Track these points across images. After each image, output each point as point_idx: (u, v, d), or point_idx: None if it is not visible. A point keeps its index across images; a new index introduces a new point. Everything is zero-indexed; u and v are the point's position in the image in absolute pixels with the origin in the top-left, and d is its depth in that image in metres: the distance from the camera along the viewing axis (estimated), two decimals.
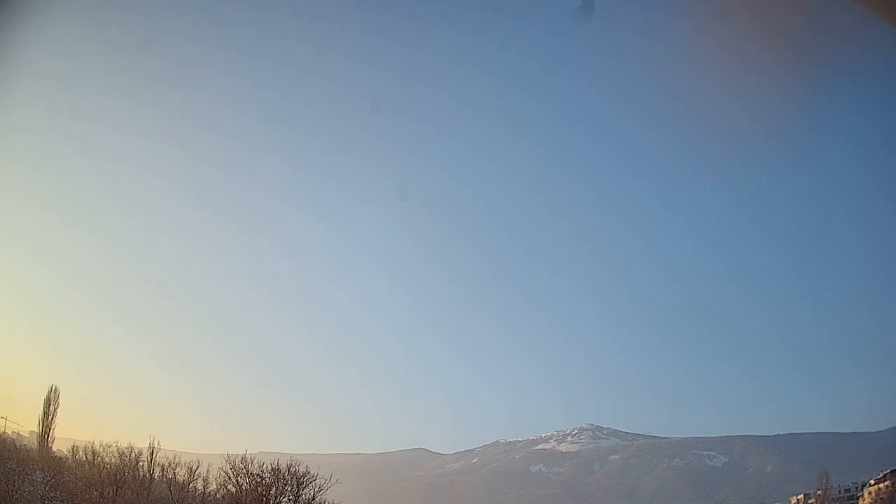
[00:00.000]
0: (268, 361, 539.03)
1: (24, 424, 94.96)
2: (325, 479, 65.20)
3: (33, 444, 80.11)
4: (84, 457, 63.32)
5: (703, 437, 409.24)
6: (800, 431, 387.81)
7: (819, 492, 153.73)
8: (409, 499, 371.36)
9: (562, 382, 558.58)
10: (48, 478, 59.08)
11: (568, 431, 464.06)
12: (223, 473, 63.55)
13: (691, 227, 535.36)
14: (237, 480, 62.61)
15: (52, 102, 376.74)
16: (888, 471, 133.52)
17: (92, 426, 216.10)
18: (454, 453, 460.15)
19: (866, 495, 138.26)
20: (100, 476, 57.76)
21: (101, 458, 61.41)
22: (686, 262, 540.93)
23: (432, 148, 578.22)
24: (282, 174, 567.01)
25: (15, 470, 55.48)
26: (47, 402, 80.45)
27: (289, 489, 63.45)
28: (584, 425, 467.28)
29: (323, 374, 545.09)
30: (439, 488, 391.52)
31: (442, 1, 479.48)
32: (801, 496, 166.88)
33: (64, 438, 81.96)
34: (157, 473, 64.84)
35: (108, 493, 55.66)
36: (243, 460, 63.37)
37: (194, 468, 67.01)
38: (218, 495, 64.91)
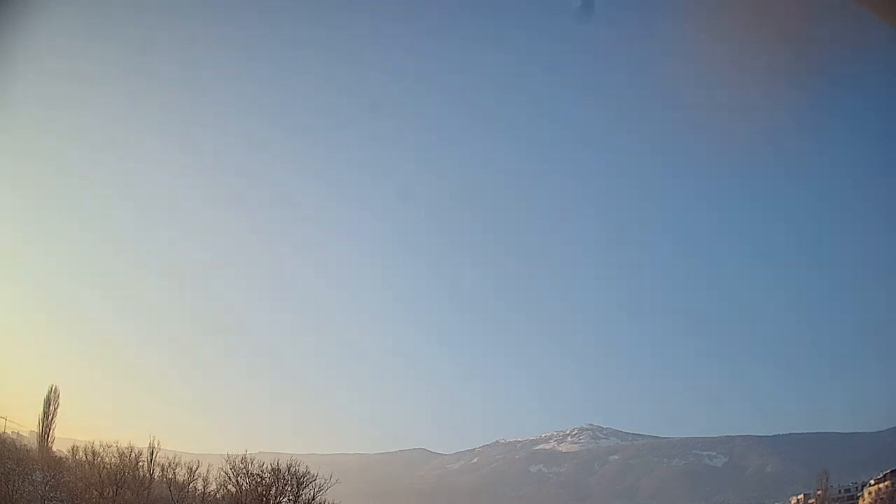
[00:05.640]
0: (268, 362, 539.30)
1: (24, 424, 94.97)
2: (325, 479, 65.20)
3: (33, 444, 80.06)
4: (84, 457, 63.24)
5: (703, 437, 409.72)
6: (800, 431, 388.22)
7: (819, 492, 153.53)
8: (409, 499, 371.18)
9: (561, 383, 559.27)
10: (48, 478, 59.04)
11: (568, 431, 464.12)
12: (223, 473, 63.51)
13: (690, 230, 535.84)
14: (237, 480, 62.57)
15: (55, 99, 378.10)
16: (888, 471, 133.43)
17: (92, 426, 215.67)
18: (454, 453, 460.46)
19: (866, 495, 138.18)
20: (100, 476, 57.72)
21: (101, 458, 61.35)
22: (684, 264, 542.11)
23: (428, 151, 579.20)
24: (281, 174, 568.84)
25: (15, 470, 55.44)
26: (47, 402, 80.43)
27: (289, 489, 63.40)
28: (584, 425, 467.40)
29: (323, 374, 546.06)
30: (439, 488, 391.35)
31: (441, 4, 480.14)
32: (801, 496, 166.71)
33: (64, 438, 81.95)
34: (157, 473, 64.81)
35: (108, 493, 55.63)
36: (243, 460, 63.33)
37: (194, 468, 67.06)
38: (218, 495, 64.88)
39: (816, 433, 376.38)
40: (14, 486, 52.88)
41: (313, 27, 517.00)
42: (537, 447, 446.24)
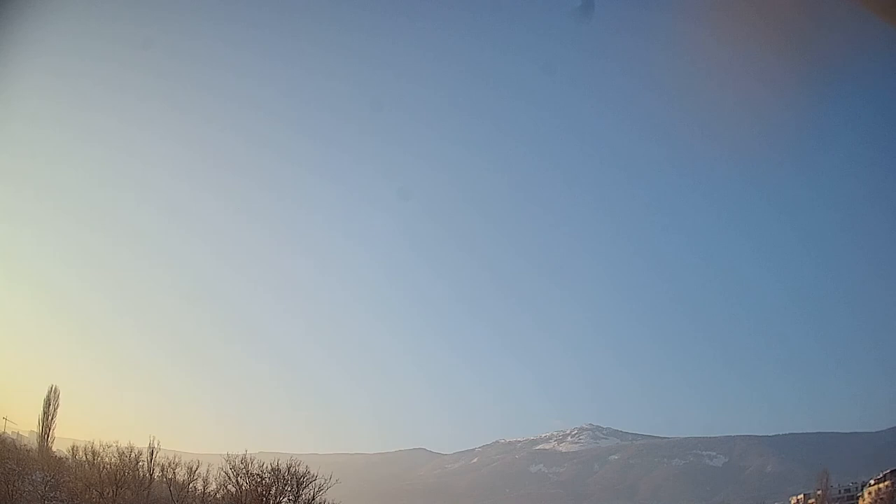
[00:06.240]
0: (268, 361, 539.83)
1: (24, 424, 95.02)
2: (325, 479, 65.09)
3: (33, 444, 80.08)
4: (84, 457, 63.24)
5: (703, 437, 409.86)
6: (800, 431, 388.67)
7: (819, 492, 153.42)
8: (409, 499, 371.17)
9: (561, 383, 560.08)
10: (48, 478, 58.98)
11: (568, 431, 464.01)
12: (223, 473, 63.37)
13: (689, 229, 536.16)
14: (237, 480, 62.45)
15: (55, 97, 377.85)
16: (888, 471, 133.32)
17: (92, 426, 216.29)
18: (454, 453, 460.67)
19: (866, 495, 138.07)
20: (100, 476, 57.63)
21: (101, 458, 61.29)
22: (684, 264, 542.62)
23: (431, 149, 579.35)
24: (283, 172, 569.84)
25: (15, 470, 55.35)
26: (47, 402, 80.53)
27: (289, 489, 63.28)
28: (584, 425, 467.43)
29: (323, 374, 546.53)
30: (439, 488, 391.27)
31: (443, 3, 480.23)
32: (801, 496, 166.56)
33: (64, 438, 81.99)
34: (157, 473, 64.76)
35: (108, 493, 55.53)
36: (243, 460, 63.17)
37: (194, 468, 66.98)
38: (218, 495, 64.78)
39: (816, 433, 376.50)
40: (14, 486, 52.81)
41: (314, 26, 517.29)
42: (537, 447, 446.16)
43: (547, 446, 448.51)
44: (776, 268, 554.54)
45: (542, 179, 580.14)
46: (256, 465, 63.42)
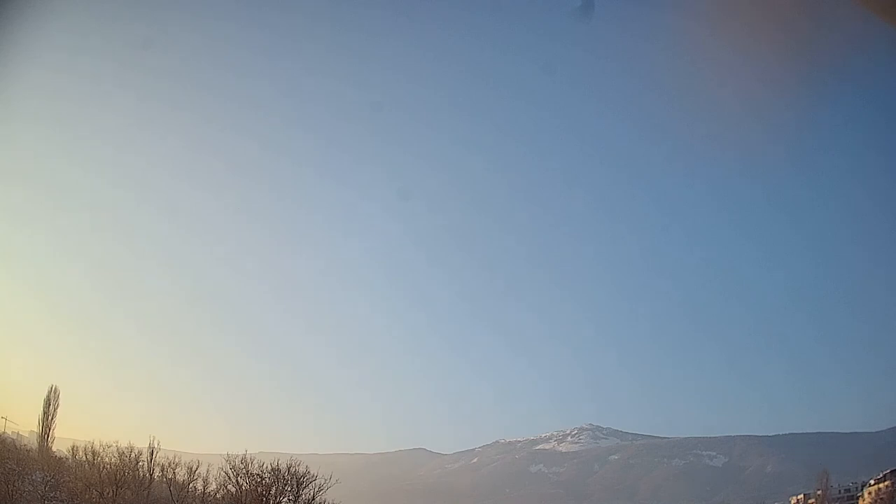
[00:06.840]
0: (268, 361, 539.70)
1: (24, 424, 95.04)
2: (325, 479, 65.08)
3: (33, 444, 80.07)
4: (84, 457, 63.21)
5: (703, 437, 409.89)
6: (800, 431, 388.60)
7: (819, 492, 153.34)
8: (409, 499, 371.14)
9: (562, 383, 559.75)
10: (48, 478, 58.96)
11: (568, 431, 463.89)
12: (223, 473, 63.36)
13: (689, 229, 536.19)
14: (237, 480, 62.44)
15: (58, 97, 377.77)
16: (888, 471, 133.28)
17: (92, 426, 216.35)
18: (454, 453, 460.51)
19: (866, 495, 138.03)
20: (100, 476, 57.60)
21: (101, 458, 61.25)
22: (684, 264, 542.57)
23: (431, 149, 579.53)
24: (283, 172, 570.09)
25: (15, 470, 55.33)
26: (47, 402, 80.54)
27: (289, 489, 63.26)
28: (584, 425, 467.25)
29: (323, 373, 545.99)
30: (439, 488, 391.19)
31: (443, 3, 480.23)
32: (801, 496, 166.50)
33: (64, 438, 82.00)
34: (157, 473, 64.74)
35: (108, 493, 55.51)
36: (243, 460, 63.15)
37: (194, 468, 66.96)
38: (218, 495, 64.76)
39: (816, 433, 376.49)
40: (14, 486, 52.78)
41: (315, 25, 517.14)
42: (537, 447, 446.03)
43: (547, 446, 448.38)
44: (777, 268, 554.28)
45: (542, 179, 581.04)
46: (256, 465, 63.44)
